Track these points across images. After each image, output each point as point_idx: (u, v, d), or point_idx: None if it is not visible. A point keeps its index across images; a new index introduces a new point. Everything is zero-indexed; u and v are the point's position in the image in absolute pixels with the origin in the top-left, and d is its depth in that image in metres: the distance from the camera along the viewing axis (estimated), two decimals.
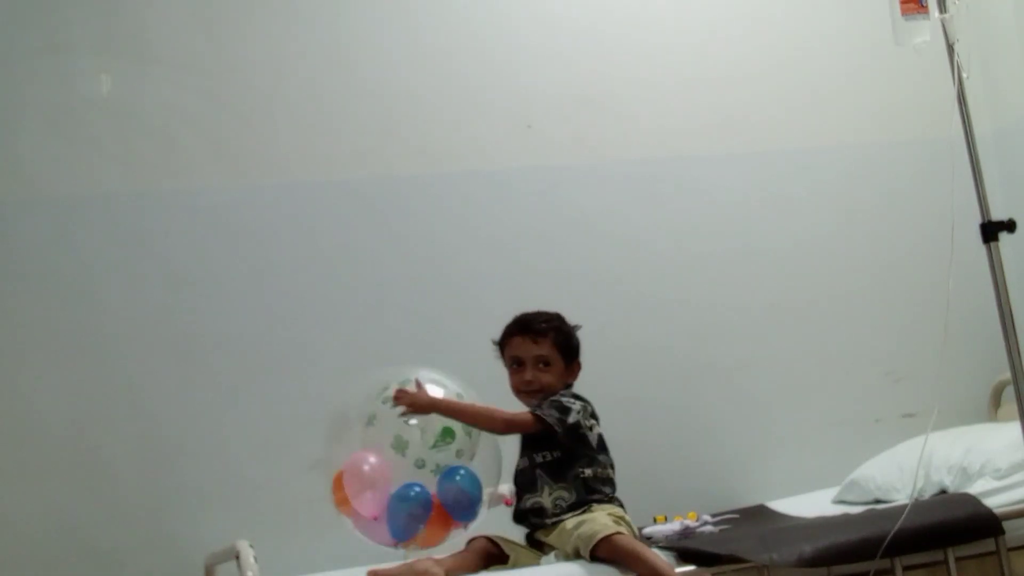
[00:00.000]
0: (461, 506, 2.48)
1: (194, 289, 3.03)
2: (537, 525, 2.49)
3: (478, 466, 2.56)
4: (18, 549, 2.79)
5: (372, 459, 2.48)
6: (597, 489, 2.48)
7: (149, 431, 2.94)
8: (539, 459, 2.52)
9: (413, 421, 2.48)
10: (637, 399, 3.18)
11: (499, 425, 2.51)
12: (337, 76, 3.22)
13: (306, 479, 2.98)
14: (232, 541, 2.33)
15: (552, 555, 2.44)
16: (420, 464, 2.46)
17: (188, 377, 2.99)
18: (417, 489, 2.44)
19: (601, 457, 2.53)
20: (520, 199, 3.29)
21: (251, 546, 2.25)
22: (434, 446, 2.48)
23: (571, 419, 2.47)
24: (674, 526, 2.65)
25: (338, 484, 2.51)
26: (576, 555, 2.34)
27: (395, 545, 2.48)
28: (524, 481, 2.54)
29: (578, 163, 3.35)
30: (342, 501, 2.50)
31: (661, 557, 2.27)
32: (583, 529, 2.33)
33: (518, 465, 2.58)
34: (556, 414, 2.47)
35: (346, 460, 2.51)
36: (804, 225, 3.48)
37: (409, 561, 2.34)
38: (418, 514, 2.44)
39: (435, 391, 2.52)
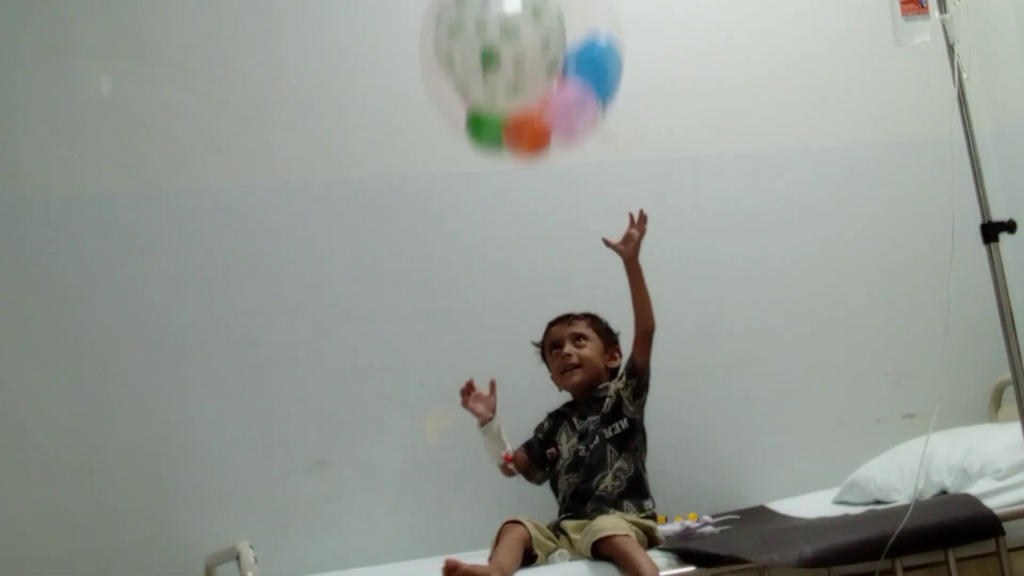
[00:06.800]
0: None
1: (194, 289, 3.03)
2: (578, 513, 2.54)
3: None
4: (18, 549, 2.79)
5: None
6: (643, 478, 2.64)
7: (149, 431, 2.93)
8: (609, 433, 2.63)
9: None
10: None
11: (651, 319, 2.67)
12: (337, 76, 3.21)
13: (306, 479, 3.00)
14: (232, 541, 2.34)
15: (557, 554, 2.45)
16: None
17: (187, 377, 2.98)
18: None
19: (645, 444, 2.71)
20: (520, 200, 3.28)
21: (251, 546, 2.26)
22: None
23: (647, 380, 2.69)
24: (675, 527, 2.65)
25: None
26: (586, 549, 2.38)
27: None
28: (594, 460, 2.60)
29: (579, 165, 3.34)
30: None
31: (650, 561, 2.28)
32: (595, 525, 2.39)
33: (581, 450, 2.63)
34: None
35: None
36: (804, 225, 3.47)
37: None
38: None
39: None
